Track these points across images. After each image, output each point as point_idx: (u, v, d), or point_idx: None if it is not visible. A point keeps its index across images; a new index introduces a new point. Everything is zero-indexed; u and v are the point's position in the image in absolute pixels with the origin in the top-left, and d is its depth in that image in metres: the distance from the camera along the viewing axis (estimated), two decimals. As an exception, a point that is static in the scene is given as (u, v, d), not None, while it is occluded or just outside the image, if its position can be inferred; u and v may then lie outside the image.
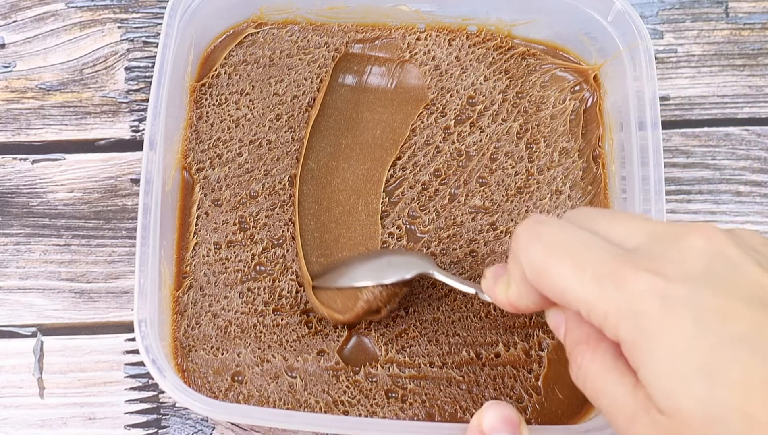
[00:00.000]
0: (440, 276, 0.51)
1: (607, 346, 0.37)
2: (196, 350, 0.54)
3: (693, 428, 0.33)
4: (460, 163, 0.59)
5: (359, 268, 0.53)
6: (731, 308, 0.33)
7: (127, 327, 0.59)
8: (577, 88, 0.61)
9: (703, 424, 0.32)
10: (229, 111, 0.59)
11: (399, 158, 0.59)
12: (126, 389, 0.57)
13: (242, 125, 0.59)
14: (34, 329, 0.59)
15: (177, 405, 0.57)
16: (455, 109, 0.60)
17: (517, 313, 0.53)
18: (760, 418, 0.32)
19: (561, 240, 0.37)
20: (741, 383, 0.32)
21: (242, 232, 0.57)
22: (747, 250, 0.35)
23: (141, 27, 0.65)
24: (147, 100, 0.60)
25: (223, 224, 0.57)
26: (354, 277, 0.53)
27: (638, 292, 0.34)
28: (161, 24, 0.55)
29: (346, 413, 0.53)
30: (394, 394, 0.53)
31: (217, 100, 0.59)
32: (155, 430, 0.57)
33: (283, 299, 0.55)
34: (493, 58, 0.61)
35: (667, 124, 0.63)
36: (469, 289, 0.50)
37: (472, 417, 0.45)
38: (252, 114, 0.59)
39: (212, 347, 0.54)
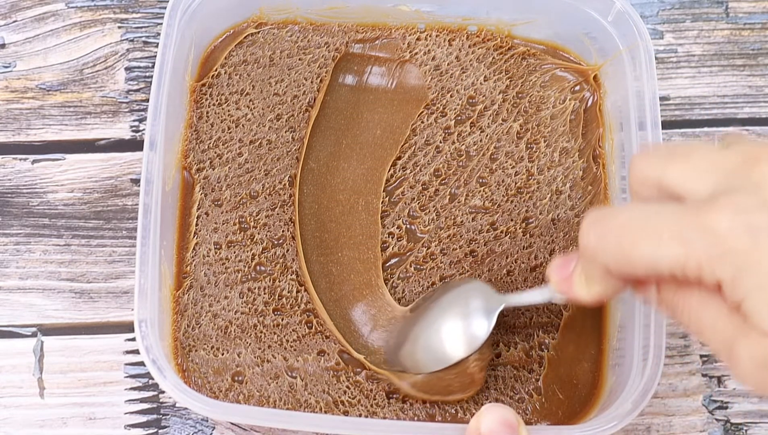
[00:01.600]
0: (515, 302, 0.50)
1: (700, 287, 0.38)
2: (196, 350, 0.54)
3: None
4: (460, 163, 0.59)
5: (443, 341, 0.51)
6: None
7: (127, 327, 0.59)
8: (577, 88, 0.61)
9: None
10: (229, 111, 0.59)
11: (399, 158, 0.59)
12: (126, 389, 0.57)
13: (242, 125, 0.59)
14: (34, 329, 0.59)
15: (177, 405, 0.57)
16: (455, 109, 0.60)
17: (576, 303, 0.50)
18: None
19: (630, 223, 0.38)
20: None
21: (242, 232, 0.57)
22: None
23: (141, 27, 0.65)
24: (147, 100, 0.60)
25: (223, 224, 0.57)
26: (446, 355, 0.51)
27: (724, 231, 0.35)
28: (161, 24, 0.55)
29: (346, 413, 0.53)
30: (394, 395, 0.53)
31: (217, 100, 0.59)
32: (155, 430, 0.57)
33: (284, 299, 0.55)
34: (493, 58, 0.61)
35: (667, 124, 0.63)
36: (543, 299, 0.48)
37: (472, 417, 0.45)
38: (252, 114, 0.59)
39: (212, 347, 0.54)
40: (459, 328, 0.51)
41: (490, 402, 0.53)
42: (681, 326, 0.41)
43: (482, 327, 0.50)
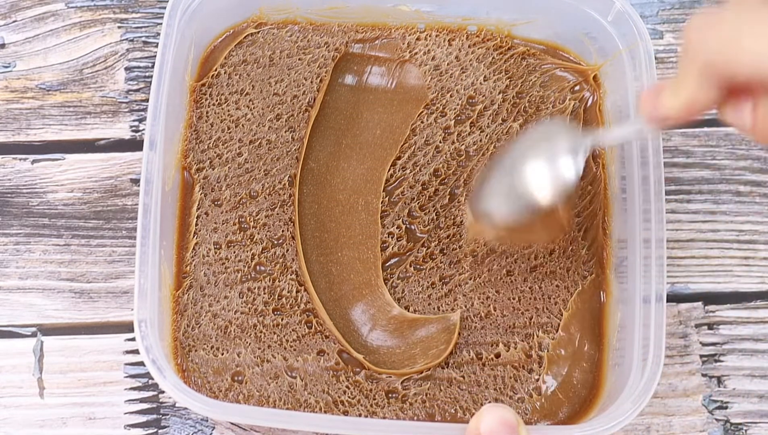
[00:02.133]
0: (605, 139, 0.48)
1: None
2: (196, 350, 0.54)
3: None
4: (460, 163, 0.59)
5: (529, 178, 0.47)
6: None
7: (127, 327, 0.59)
8: (577, 88, 0.61)
9: None
10: (229, 111, 0.59)
11: (399, 158, 0.59)
12: (126, 389, 0.57)
13: (242, 125, 0.59)
14: (34, 329, 0.59)
15: (177, 405, 0.57)
16: (455, 109, 0.60)
17: (679, 122, 0.46)
18: None
19: (740, 19, 0.37)
20: None
21: (242, 232, 0.57)
22: None
23: (141, 27, 0.65)
24: (147, 100, 0.60)
25: (223, 224, 0.57)
26: (534, 200, 0.47)
27: None
28: (161, 24, 0.55)
29: (346, 413, 0.53)
30: (394, 395, 0.53)
31: (217, 100, 0.59)
32: (155, 430, 0.57)
33: (283, 299, 0.55)
34: (493, 58, 0.61)
35: (667, 124, 0.63)
36: (633, 130, 0.46)
37: (472, 417, 0.45)
38: (252, 114, 0.59)
39: (212, 347, 0.54)
40: (545, 171, 0.47)
41: (489, 402, 0.53)
42: None
43: (570, 168, 0.47)
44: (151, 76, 0.54)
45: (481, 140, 0.59)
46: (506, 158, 0.50)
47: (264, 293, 0.55)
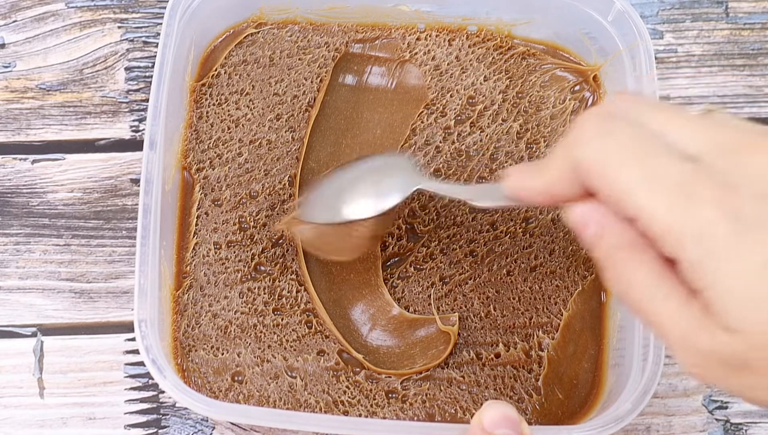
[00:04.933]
0: (433, 187, 0.49)
1: (654, 256, 0.36)
2: (196, 350, 0.54)
3: (762, 349, 0.32)
4: (460, 163, 0.59)
5: (348, 196, 0.50)
6: None
7: (127, 327, 0.59)
8: (577, 88, 0.61)
9: None
10: (229, 111, 0.59)
11: (399, 158, 0.59)
12: (126, 389, 0.57)
13: (242, 125, 0.59)
14: (34, 329, 0.59)
15: (177, 405, 0.57)
16: (455, 109, 0.60)
17: (543, 204, 0.48)
18: None
19: (634, 143, 0.35)
20: None
21: (242, 232, 0.57)
22: None
23: (141, 27, 0.65)
24: (147, 100, 0.60)
25: (223, 224, 0.57)
26: (346, 209, 0.50)
27: (709, 211, 0.33)
28: (161, 24, 0.55)
29: (346, 413, 0.53)
30: (394, 395, 0.53)
31: (217, 100, 0.59)
32: (155, 430, 0.57)
33: (283, 299, 0.55)
34: (493, 58, 0.61)
35: (667, 124, 0.63)
36: (466, 196, 0.47)
37: (472, 417, 0.45)
38: (252, 114, 0.59)
39: (212, 347, 0.54)
40: (370, 192, 0.50)
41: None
42: (614, 289, 0.37)
43: (393, 198, 0.49)
44: (151, 76, 0.54)
45: (481, 140, 0.59)
46: (347, 170, 0.52)
47: (264, 293, 0.55)
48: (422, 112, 0.60)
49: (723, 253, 0.33)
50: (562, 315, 0.55)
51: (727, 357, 0.33)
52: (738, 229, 0.33)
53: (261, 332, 0.54)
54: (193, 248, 0.56)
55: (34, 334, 0.58)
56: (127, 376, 0.58)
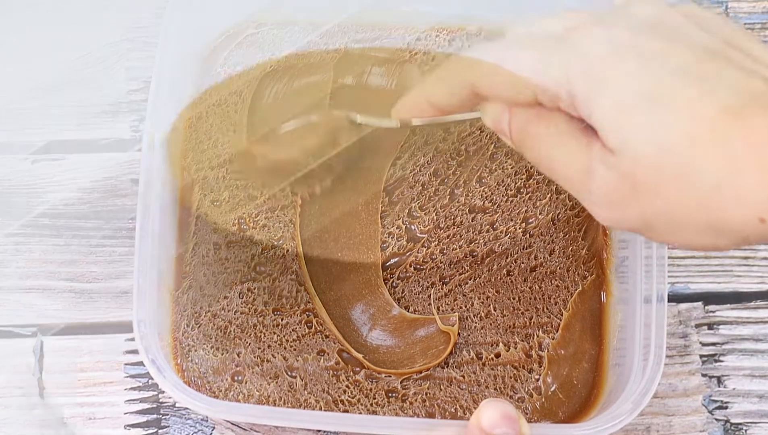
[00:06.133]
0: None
1: (560, 115, 0.38)
2: (195, 350, 0.54)
3: (642, 161, 0.34)
4: (460, 163, 0.59)
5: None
6: (673, 49, 0.35)
7: (127, 327, 0.59)
8: (577, 88, 0.61)
9: (652, 153, 0.34)
10: (228, 111, 0.59)
11: (399, 158, 0.59)
12: (126, 389, 0.57)
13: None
14: (34, 329, 0.59)
15: (177, 405, 0.57)
16: (455, 109, 0.60)
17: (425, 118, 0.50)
18: (703, 137, 0.33)
19: (507, 42, 0.40)
20: (684, 109, 0.34)
21: (242, 233, 0.57)
22: (690, 17, 0.38)
23: (141, 27, 0.65)
24: (147, 100, 0.60)
25: (222, 224, 0.57)
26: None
27: (587, 42, 0.36)
28: (161, 24, 0.55)
29: (346, 412, 0.53)
30: (394, 394, 0.53)
31: (216, 101, 0.59)
32: (155, 430, 0.57)
33: (283, 299, 0.55)
34: (493, 58, 0.61)
35: (667, 124, 0.63)
36: (385, 121, 0.50)
37: (471, 416, 0.45)
38: (252, 114, 0.59)
39: (212, 347, 0.54)
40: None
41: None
42: (531, 161, 0.40)
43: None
44: (151, 76, 0.54)
45: (480, 140, 0.59)
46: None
47: (264, 293, 0.55)
48: (422, 112, 0.60)
49: (600, 74, 0.35)
50: (562, 315, 0.55)
51: (620, 181, 0.35)
52: (612, 51, 0.35)
53: (261, 332, 0.54)
54: (193, 248, 0.56)
55: (34, 334, 0.58)
56: (127, 376, 0.58)
